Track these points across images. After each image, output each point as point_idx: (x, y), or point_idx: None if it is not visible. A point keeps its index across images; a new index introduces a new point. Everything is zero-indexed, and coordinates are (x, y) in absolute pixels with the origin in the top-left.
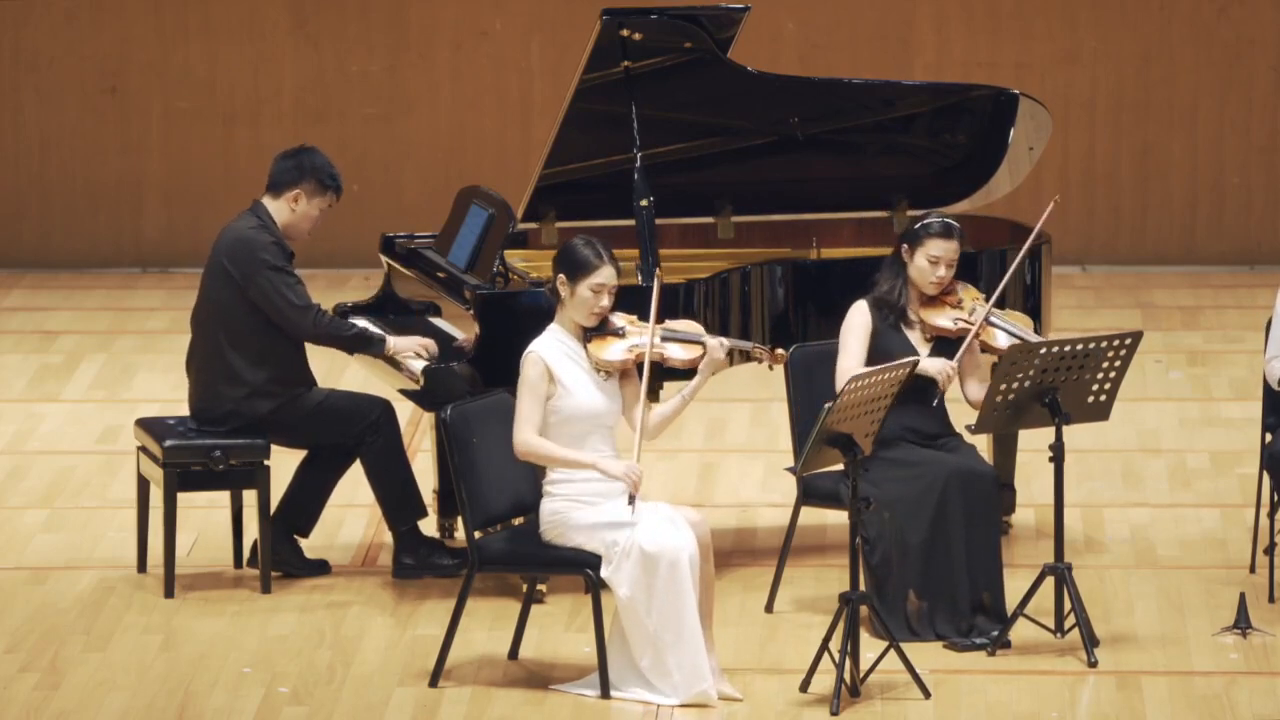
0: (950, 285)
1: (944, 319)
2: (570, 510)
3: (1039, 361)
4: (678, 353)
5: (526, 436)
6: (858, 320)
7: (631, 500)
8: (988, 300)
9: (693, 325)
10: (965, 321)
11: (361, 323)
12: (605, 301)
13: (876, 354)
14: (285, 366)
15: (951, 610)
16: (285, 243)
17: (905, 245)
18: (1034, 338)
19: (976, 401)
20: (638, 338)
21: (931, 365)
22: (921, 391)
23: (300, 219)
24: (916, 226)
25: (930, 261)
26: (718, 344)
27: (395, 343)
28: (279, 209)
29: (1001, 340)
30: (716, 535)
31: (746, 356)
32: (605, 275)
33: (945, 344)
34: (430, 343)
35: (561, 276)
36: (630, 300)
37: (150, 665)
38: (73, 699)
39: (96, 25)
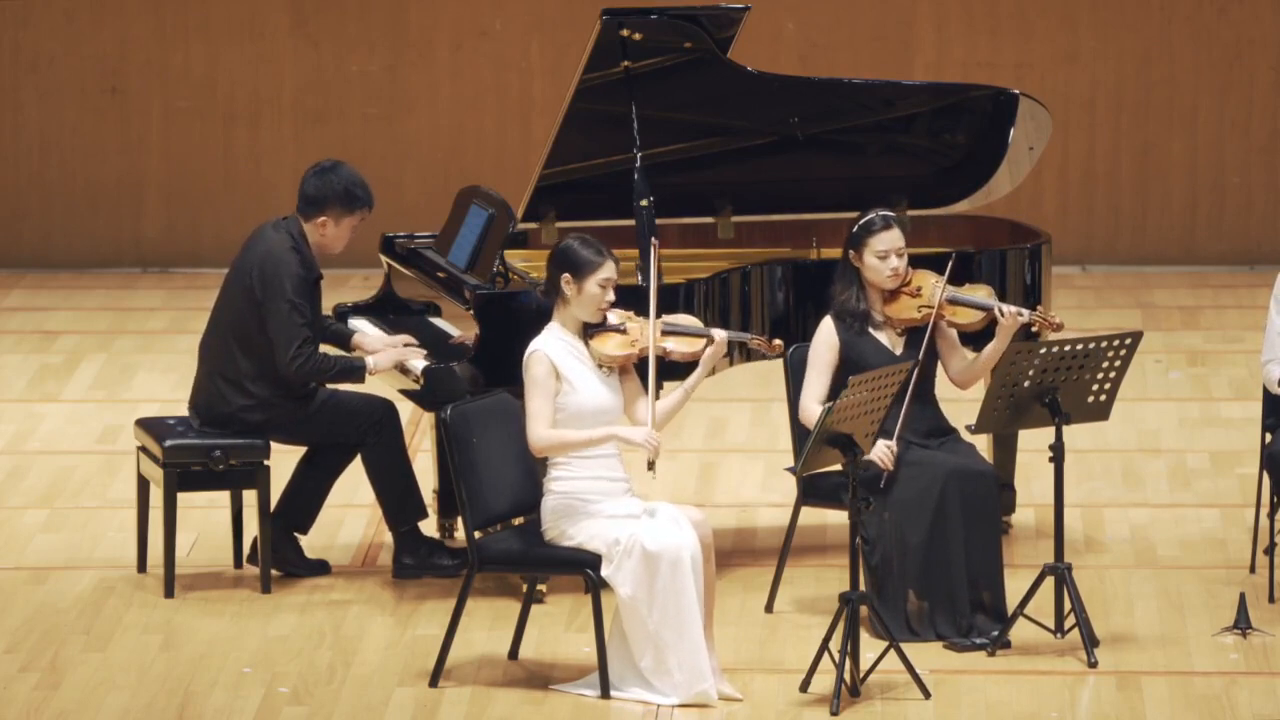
0: (906, 276)
1: (909, 311)
2: (571, 509)
3: (1039, 361)
4: (679, 346)
5: (541, 432)
6: (821, 344)
7: (651, 466)
8: (943, 278)
9: (691, 319)
10: (929, 308)
11: (364, 324)
12: (611, 296)
13: (851, 364)
14: (290, 382)
15: (951, 610)
16: (314, 266)
17: (852, 251)
18: (997, 303)
19: (960, 380)
20: (639, 333)
21: (875, 451)
22: (920, 390)
23: (331, 241)
24: (856, 229)
25: (879, 257)
26: (718, 335)
27: (375, 362)
28: (310, 231)
29: (966, 315)
30: (716, 535)
31: (748, 355)
32: (610, 269)
33: (917, 334)
34: (405, 338)
35: (566, 276)
36: (631, 299)
37: (150, 665)
38: (73, 699)
39: (96, 25)
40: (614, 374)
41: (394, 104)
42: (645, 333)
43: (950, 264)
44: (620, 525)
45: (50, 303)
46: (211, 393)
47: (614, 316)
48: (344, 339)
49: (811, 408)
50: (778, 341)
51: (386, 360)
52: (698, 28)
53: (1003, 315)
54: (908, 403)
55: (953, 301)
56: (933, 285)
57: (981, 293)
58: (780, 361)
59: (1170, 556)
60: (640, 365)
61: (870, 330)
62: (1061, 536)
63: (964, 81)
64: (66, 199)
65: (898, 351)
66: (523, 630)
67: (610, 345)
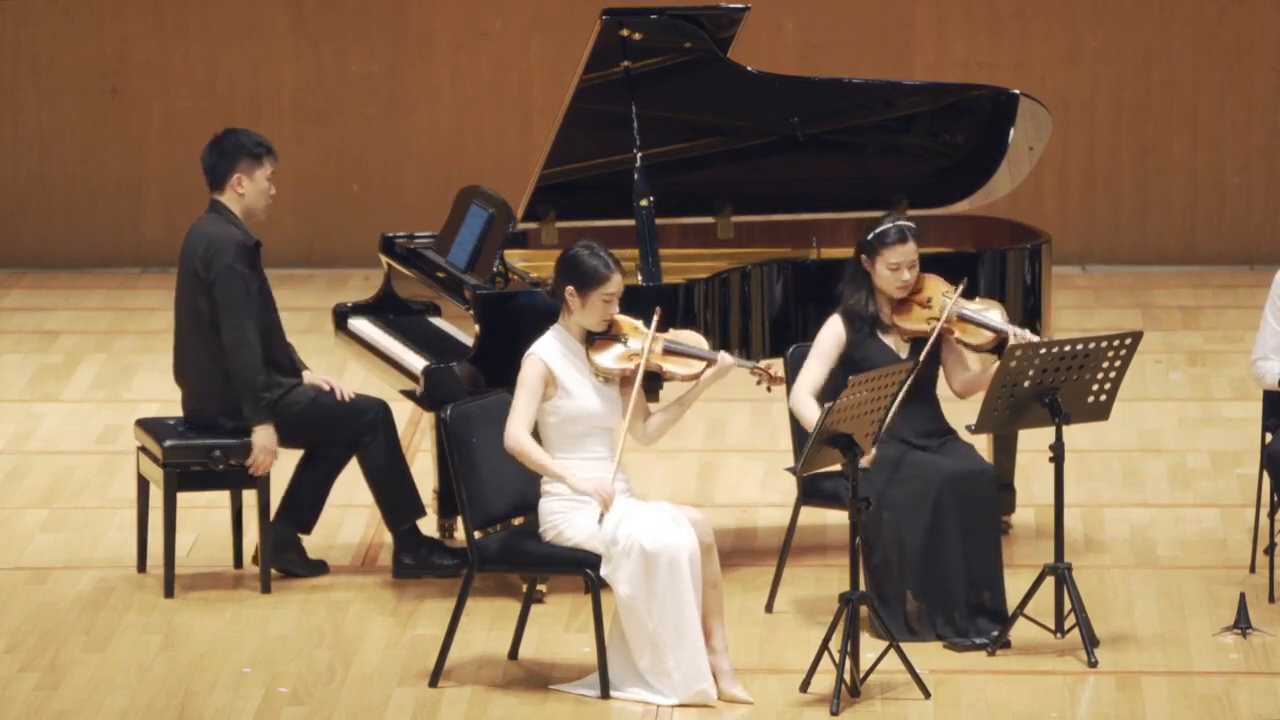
0: (917, 284)
1: (916, 322)
2: (570, 510)
3: (1039, 361)
4: (677, 367)
5: (517, 432)
6: (828, 337)
7: (601, 519)
8: (955, 291)
9: (695, 337)
10: (937, 320)
11: (364, 324)
12: (615, 309)
13: (857, 365)
14: (268, 361)
15: (951, 610)
16: (250, 238)
17: (864, 256)
18: (1007, 325)
19: (962, 392)
20: (639, 348)
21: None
22: (919, 391)
23: (254, 198)
24: (871, 237)
25: (891, 269)
26: (721, 359)
27: (260, 437)
28: (230, 199)
29: (974, 334)
30: (717, 535)
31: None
32: (616, 284)
33: (923, 343)
34: (271, 449)
35: (570, 288)
36: (630, 299)
37: (150, 665)
38: (73, 699)
39: (96, 25)
40: (612, 382)
41: (394, 104)
42: (644, 349)
43: (963, 284)
44: (618, 525)
45: (50, 303)
46: (201, 401)
47: (622, 325)
48: (296, 372)
49: (803, 398)
50: (779, 374)
51: (265, 445)
52: (698, 28)
53: (1015, 338)
54: (899, 403)
55: (964, 319)
56: (942, 296)
57: (994, 312)
58: (780, 361)
59: (1170, 556)
60: (642, 378)
61: (878, 334)
62: (1061, 536)
63: (964, 81)
64: (66, 199)
65: (903, 356)
66: (523, 630)
67: (608, 358)
